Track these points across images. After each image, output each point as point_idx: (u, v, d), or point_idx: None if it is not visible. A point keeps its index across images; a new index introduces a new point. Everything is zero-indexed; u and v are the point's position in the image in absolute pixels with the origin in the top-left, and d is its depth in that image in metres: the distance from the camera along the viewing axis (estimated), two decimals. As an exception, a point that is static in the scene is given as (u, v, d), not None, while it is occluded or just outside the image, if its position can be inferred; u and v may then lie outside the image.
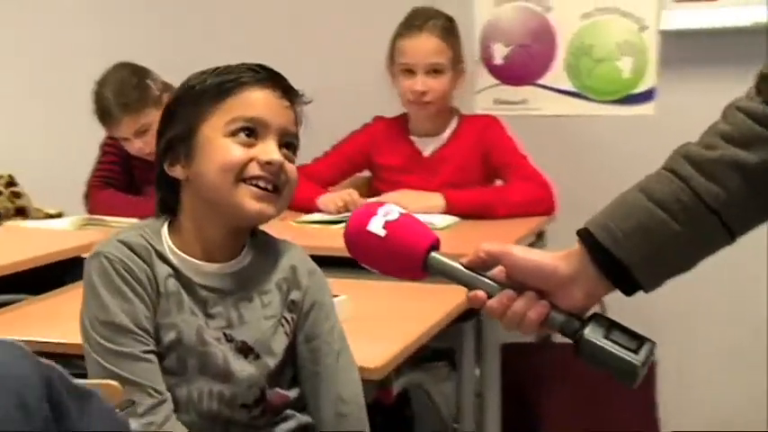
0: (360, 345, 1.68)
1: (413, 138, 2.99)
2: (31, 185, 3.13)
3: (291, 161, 1.55)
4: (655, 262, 1.13)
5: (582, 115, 3.20)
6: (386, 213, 1.20)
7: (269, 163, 1.49)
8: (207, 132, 1.51)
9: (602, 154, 3.17)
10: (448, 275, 1.18)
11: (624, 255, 1.12)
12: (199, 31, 3.64)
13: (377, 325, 1.95)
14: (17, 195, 3.02)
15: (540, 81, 3.24)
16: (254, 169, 1.49)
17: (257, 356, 1.55)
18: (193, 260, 1.54)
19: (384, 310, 2.07)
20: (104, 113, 2.92)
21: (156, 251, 1.52)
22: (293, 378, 1.61)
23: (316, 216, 2.80)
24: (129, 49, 3.30)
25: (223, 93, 1.51)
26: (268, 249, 1.61)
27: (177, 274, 1.52)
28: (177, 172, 1.53)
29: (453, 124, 2.98)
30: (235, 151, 1.49)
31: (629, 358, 1.11)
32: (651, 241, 1.12)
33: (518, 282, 1.16)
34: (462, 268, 1.18)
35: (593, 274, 1.14)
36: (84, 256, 2.30)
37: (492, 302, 1.16)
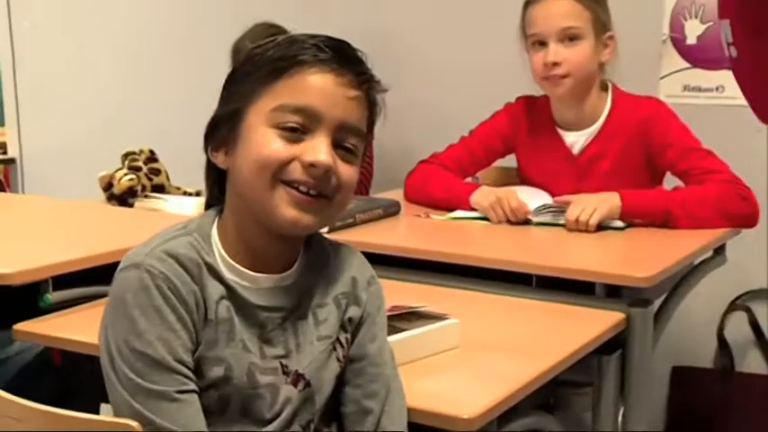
0: (456, 383, 1.51)
1: (560, 131, 2.52)
2: (170, 162, 2.97)
3: (349, 163, 1.28)
4: None
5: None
6: None
7: (313, 165, 1.23)
8: (252, 118, 1.27)
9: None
10: None
11: None
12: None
13: (485, 357, 1.64)
14: (155, 172, 2.87)
15: (741, 66, 2.78)
16: (295, 171, 1.24)
17: (308, 384, 1.31)
18: (248, 272, 1.29)
19: (499, 336, 1.75)
20: None
21: (207, 265, 1.27)
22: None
23: (459, 212, 2.45)
24: (263, 15, 3.09)
25: (275, 72, 1.26)
26: (325, 256, 1.37)
27: (231, 294, 1.28)
28: (219, 159, 1.31)
29: (605, 111, 2.47)
30: (274, 145, 1.25)
31: None
32: None
33: None
34: None
35: None
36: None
37: None
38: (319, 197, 1.26)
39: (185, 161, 3.02)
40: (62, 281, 1.88)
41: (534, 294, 1.97)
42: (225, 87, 1.33)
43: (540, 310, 1.91)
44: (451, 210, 2.45)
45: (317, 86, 1.25)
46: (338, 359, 1.35)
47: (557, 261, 2.04)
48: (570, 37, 2.37)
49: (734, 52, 1.11)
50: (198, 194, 2.95)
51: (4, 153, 4.25)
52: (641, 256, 2.12)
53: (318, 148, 1.24)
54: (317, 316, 1.34)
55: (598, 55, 2.41)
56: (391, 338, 1.52)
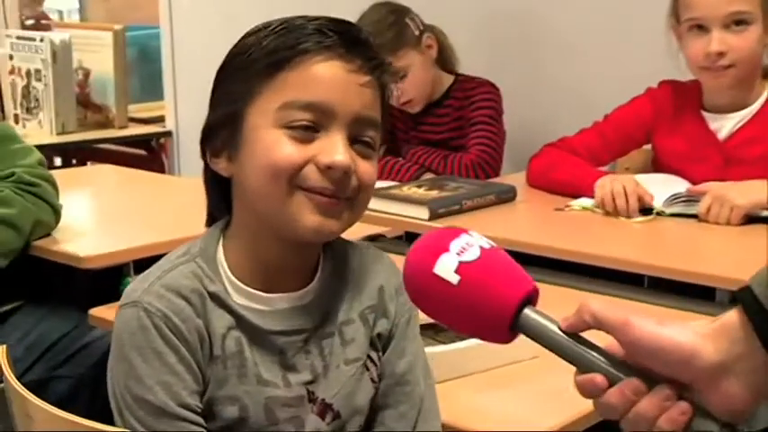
0: (520, 400, 1.36)
1: (705, 114, 2.27)
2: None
3: (368, 159, 1.13)
4: None
5: None
6: (461, 250, 0.86)
7: (330, 167, 1.09)
8: (254, 118, 1.13)
9: None
10: (546, 343, 0.85)
11: None
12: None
13: (568, 370, 1.44)
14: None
15: None
16: (311, 175, 1.10)
17: (337, 416, 1.17)
18: (262, 294, 1.16)
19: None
20: None
21: (212, 294, 1.15)
22: None
23: (583, 201, 2.24)
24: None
25: (276, 65, 1.11)
26: (347, 265, 1.22)
27: (240, 322, 1.15)
28: (221, 166, 1.17)
29: (764, 94, 2.22)
30: (285, 149, 1.10)
31: None
32: None
33: (640, 366, 0.82)
34: (566, 337, 0.84)
35: (762, 360, 0.78)
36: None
37: (611, 394, 0.82)
38: (341, 199, 1.13)
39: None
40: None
41: (644, 296, 1.79)
42: (217, 85, 1.19)
43: (648, 315, 1.72)
44: (576, 197, 2.26)
45: (326, 77, 1.11)
46: (372, 380, 1.22)
47: (671, 261, 1.84)
48: (737, 21, 2.12)
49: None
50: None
51: (163, 126, 4.33)
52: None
53: (335, 148, 1.10)
54: (344, 335, 1.20)
55: (765, 39, 2.15)
56: (457, 346, 1.41)
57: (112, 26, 3.42)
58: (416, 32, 2.69)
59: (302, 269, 1.19)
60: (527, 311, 0.84)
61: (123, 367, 1.11)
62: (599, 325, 0.84)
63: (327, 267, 1.21)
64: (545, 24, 3.07)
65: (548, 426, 1.28)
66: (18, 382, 1.28)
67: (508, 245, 1.91)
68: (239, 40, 1.17)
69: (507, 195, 2.21)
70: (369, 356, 1.21)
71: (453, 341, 1.43)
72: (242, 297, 1.16)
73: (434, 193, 2.18)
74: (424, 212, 2.09)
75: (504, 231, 2.04)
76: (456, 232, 0.88)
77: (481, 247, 0.86)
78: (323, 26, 1.13)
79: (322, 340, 1.18)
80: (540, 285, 1.83)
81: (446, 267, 0.85)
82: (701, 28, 2.15)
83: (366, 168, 1.13)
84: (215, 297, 1.14)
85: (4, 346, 1.35)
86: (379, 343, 1.22)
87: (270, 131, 1.11)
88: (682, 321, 0.84)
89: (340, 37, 1.12)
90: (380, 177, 2.55)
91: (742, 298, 0.80)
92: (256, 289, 1.17)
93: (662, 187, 2.19)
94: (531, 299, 0.86)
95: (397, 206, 2.13)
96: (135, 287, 1.14)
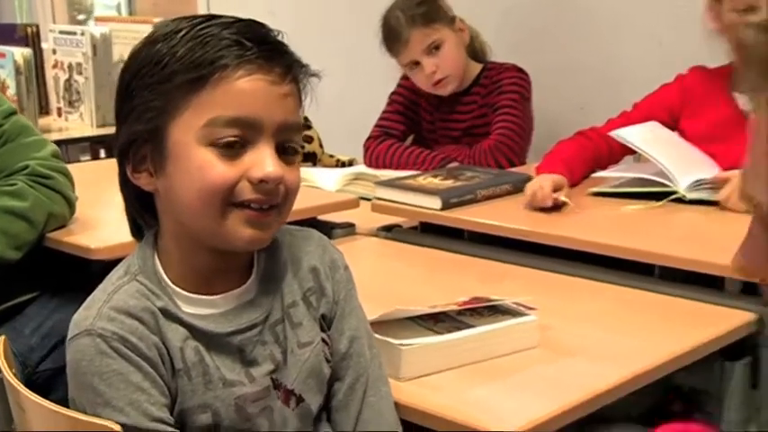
0: (512, 390, 1.36)
1: (737, 95, 2.22)
2: (323, 130, 2.93)
3: (293, 164, 1.15)
4: None
5: None
6: None
7: (263, 180, 1.11)
8: (178, 135, 1.13)
9: None
10: None
11: None
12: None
13: (564, 361, 1.46)
14: (308, 140, 2.83)
15: None
16: (244, 191, 1.12)
17: (300, 400, 1.20)
18: (207, 298, 1.18)
19: (593, 335, 1.55)
20: (392, 33, 2.70)
21: (162, 310, 1.16)
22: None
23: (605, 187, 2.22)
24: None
25: (197, 82, 1.11)
26: (281, 251, 1.24)
27: (194, 332, 1.17)
28: (143, 181, 1.17)
29: None
30: (218, 169, 1.11)
31: None
32: None
33: None
34: None
35: None
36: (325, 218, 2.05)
37: None
38: (271, 209, 1.15)
39: (339, 129, 3.00)
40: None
41: (653, 286, 1.76)
42: (129, 94, 1.16)
43: (654, 306, 1.69)
44: None
45: (249, 91, 1.11)
46: (327, 360, 1.25)
47: (683, 250, 1.80)
48: None
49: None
50: (351, 163, 2.89)
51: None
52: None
53: (265, 161, 1.12)
54: (292, 318, 1.23)
55: None
56: (453, 336, 1.42)
57: (151, 19, 3.46)
58: (449, 13, 2.71)
59: (240, 267, 1.21)
60: None
61: (88, 396, 1.12)
62: None
63: (263, 258, 1.23)
64: (574, 11, 3.03)
65: (542, 413, 1.27)
66: (12, 375, 1.30)
67: (521, 235, 1.93)
68: (144, 45, 1.16)
69: (523, 185, 2.16)
70: (322, 339, 1.24)
71: (449, 332, 1.43)
72: (190, 306, 1.18)
73: (449, 183, 2.17)
74: (436, 202, 2.08)
75: (516, 221, 2.02)
76: None
77: None
78: (240, 35, 1.12)
79: (275, 327, 1.20)
80: (551, 276, 1.84)
81: None
82: (749, 9, 2.10)
83: (293, 176, 1.15)
84: (165, 312, 1.16)
85: (2, 338, 1.37)
86: (325, 324, 1.25)
87: (199, 150, 1.11)
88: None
89: (258, 48, 1.12)
90: (406, 168, 2.56)
91: None
92: (201, 294, 1.18)
93: (691, 169, 2.15)
94: None
95: (412, 196, 2.13)
96: (83, 316, 1.15)
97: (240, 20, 1.16)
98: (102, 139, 3.36)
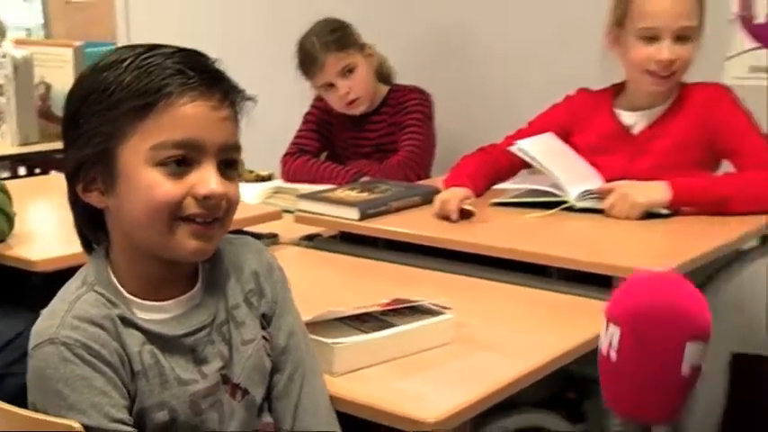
0: (428, 383, 1.46)
1: (618, 111, 2.47)
2: (244, 146, 3.06)
3: (234, 180, 1.27)
4: None
5: None
6: None
7: (207, 197, 1.22)
8: (127, 158, 1.23)
9: None
10: None
11: None
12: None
13: (475, 355, 1.60)
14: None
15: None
16: (190, 206, 1.23)
17: (245, 393, 1.32)
18: (159, 303, 1.29)
19: (502, 331, 1.71)
20: (308, 58, 2.87)
21: (120, 317, 1.25)
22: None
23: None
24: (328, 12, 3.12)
25: (143, 108, 1.20)
26: (223, 258, 1.36)
27: (150, 337, 1.27)
28: (94, 199, 1.28)
29: (673, 96, 2.42)
30: (164, 186, 1.22)
31: None
32: None
33: None
34: None
35: None
36: (249, 230, 2.18)
37: None
38: (215, 222, 1.26)
39: (259, 145, 3.12)
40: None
41: (552, 286, 1.94)
42: (77, 120, 1.24)
43: (552, 304, 1.86)
44: None
45: (193, 117, 1.21)
46: (268, 354, 1.37)
47: (576, 253, 1.99)
48: (682, 36, 2.32)
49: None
50: (270, 178, 3.03)
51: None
52: (669, 248, 2.07)
53: (209, 179, 1.22)
54: (236, 318, 1.34)
55: (696, 51, 2.36)
56: (379, 335, 1.54)
57: (72, 43, 3.55)
58: (359, 40, 2.89)
59: (186, 275, 1.32)
60: None
61: (53, 401, 1.19)
62: None
63: (207, 265, 1.34)
64: (474, 38, 3.24)
65: (460, 401, 1.40)
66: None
67: (431, 242, 2.11)
68: (91, 72, 1.25)
69: (431, 196, 2.35)
70: (263, 336, 1.36)
71: (375, 330, 1.55)
72: (144, 313, 1.28)
73: (365, 196, 2.33)
74: (354, 213, 2.24)
75: (426, 229, 2.19)
76: None
77: None
78: (182, 65, 1.22)
79: (221, 328, 1.32)
80: (460, 278, 2.00)
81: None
82: (652, 38, 2.34)
83: (234, 190, 1.27)
84: (123, 319, 1.25)
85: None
86: (266, 321, 1.37)
87: (147, 170, 1.21)
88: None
89: (200, 76, 1.22)
90: (321, 182, 2.73)
91: None
92: (153, 301, 1.29)
93: (576, 179, 2.37)
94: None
95: (332, 208, 2.28)
96: (45, 325, 1.22)
97: (181, 49, 1.26)
98: (24, 157, 3.43)
